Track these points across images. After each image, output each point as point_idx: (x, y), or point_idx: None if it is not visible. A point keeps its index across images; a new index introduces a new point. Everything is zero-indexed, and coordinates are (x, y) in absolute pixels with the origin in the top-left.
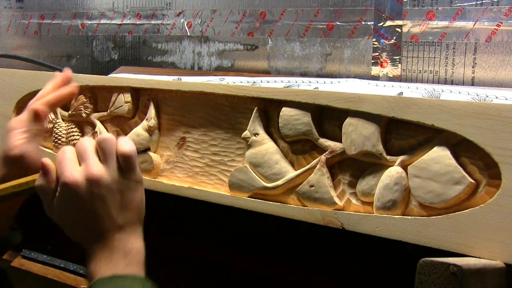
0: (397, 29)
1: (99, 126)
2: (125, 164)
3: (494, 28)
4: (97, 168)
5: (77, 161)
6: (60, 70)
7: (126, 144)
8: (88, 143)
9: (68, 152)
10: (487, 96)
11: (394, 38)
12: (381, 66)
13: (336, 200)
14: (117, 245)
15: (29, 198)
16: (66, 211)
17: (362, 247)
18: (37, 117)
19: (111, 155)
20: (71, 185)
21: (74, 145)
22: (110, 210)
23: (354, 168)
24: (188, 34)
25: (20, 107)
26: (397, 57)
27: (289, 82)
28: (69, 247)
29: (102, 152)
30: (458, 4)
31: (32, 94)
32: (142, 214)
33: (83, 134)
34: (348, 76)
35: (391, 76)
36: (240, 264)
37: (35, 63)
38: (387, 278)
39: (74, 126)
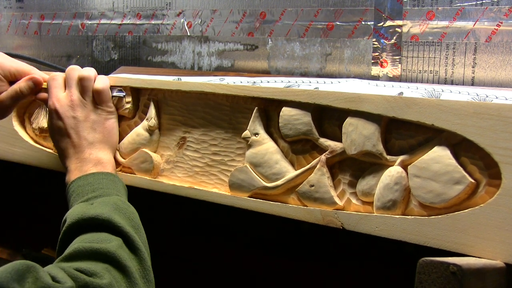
0: (397, 29)
1: None
2: (98, 98)
3: (494, 28)
4: (75, 96)
5: (63, 87)
6: (62, 70)
7: (100, 81)
8: (74, 73)
9: (57, 79)
10: (487, 96)
11: (394, 38)
12: (381, 66)
13: (336, 200)
14: (88, 157)
15: None
16: (53, 131)
17: (362, 247)
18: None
19: (88, 89)
20: (54, 107)
21: None
22: (81, 130)
23: (354, 168)
24: (188, 34)
25: (20, 106)
26: (397, 57)
27: (289, 82)
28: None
29: (81, 87)
30: (458, 4)
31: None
32: (113, 139)
33: None
34: (348, 76)
35: (391, 76)
36: (240, 264)
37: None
38: (387, 278)
39: None
